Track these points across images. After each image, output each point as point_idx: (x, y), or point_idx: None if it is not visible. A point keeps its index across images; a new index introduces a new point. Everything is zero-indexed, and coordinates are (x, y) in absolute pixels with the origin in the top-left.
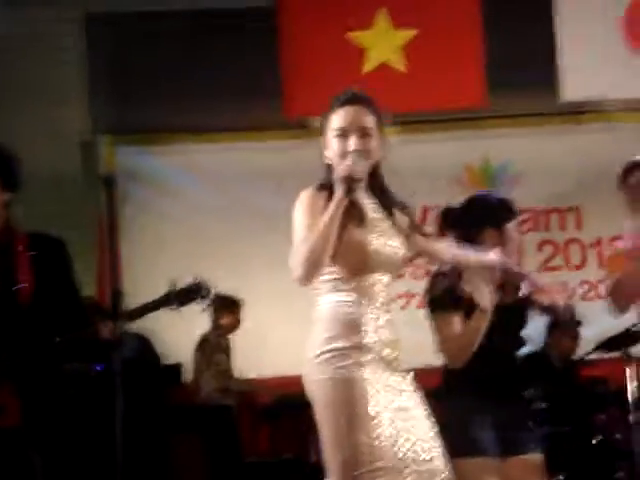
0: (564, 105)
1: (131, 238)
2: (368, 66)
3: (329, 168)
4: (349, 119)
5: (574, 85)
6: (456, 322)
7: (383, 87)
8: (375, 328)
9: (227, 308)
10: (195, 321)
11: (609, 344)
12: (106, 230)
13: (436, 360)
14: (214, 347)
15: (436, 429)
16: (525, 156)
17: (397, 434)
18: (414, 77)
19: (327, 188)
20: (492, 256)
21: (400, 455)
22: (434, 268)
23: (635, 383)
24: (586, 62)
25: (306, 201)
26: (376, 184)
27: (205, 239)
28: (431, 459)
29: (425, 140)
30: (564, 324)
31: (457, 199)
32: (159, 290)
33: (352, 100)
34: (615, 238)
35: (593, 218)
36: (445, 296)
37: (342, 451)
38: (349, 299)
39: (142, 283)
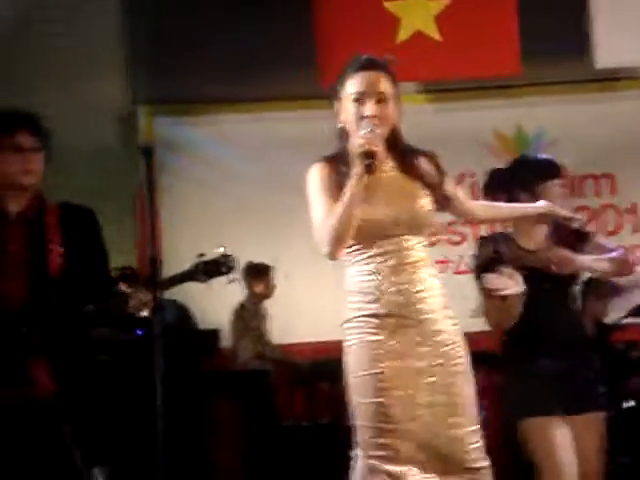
0: (598, 72)
1: (170, 208)
2: (402, 35)
3: (343, 132)
4: (365, 84)
5: (607, 52)
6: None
7: (417, 56)
8: (395, 292)
9: (258, 276)
10: (231, 288)
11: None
12: (146, 200)
13: (474, 325)
14: (251, 314)
15: (468, 399)
16: (558, 124)
17: (413, 399)
18: (448, 45)
19: (335, 158)
20: (538, 204)
21: (416, 421)
22: (473, 233)
23: None
24: (619, 29)
25: (317, 175)
26: (396, 146)
27: (241, 208)
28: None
29: (458, 108)
30: (597, 288)
31: (491, 167)
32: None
33: (368, 65)
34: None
35: (627, 184)
36: (488, 261)
37: (358, 415)
38: (364, 269)
39: (181, 251)
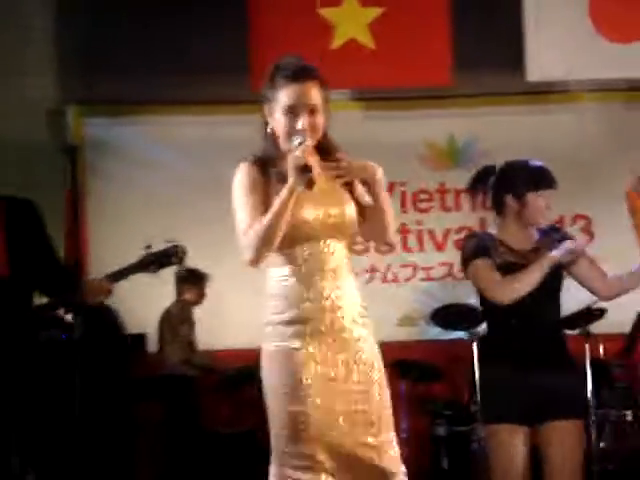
0: (530, 85)
1: (99, 209)
2: (337, 42)
3: (272, 134)
4: (298, 97)
5: (540, 65)
6: (487, 264)
7: (351, 63)
8: (314, 299)
9: (192, 282)
10: (161, 292)
11: (570, 322)
12: (71, 199)
13: (397, 334)
14: (178, 319)
15: (384, 407)
16: (490, 135)
17: (332, 407)
18: (381, 54)
19: (263, 159)
20: None
21: (334, 429)
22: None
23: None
24: (551, 42)
25: (244, 176)
26: (324, 149)
27: (173, 210)
28: (368, 443)
29: (390, 117)
30: None
31: (421, 176)
32: (126, 261)
33: (300, 76)
34: (577, 217)
35: (556, 197)
36: (472, 248)
37: (274, 422)
38: (285, 272)
39: (109, 255)
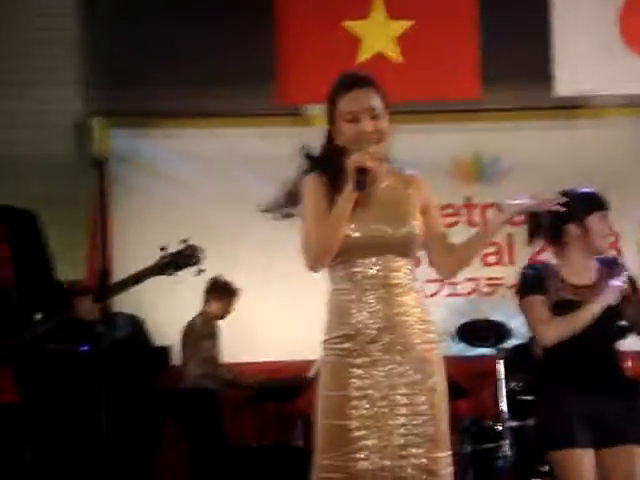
0: (557, 100)
1: (123, 221)
2: (363, 55)
3: (338, 150)
4: (359, 102)
5: (568, 80)
6: (538, 301)
7: (378, 77)
8: (370, 316)
9: (219, 295)
10: (187, 303)
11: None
12: (97, 212)
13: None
14: (199, 333)
15: (435, 427)
16: (517, 150)
17: (377, 425)
18: (408, 68)
19: (329, 173)
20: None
21: (375, 448)
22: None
23: None
24: (580, 57)
25: (309, 187)
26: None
27: (197, 224)
28: (405, 464)
29: (416, 131)
30: None
31: (448, 191)
32: None
33: (359, 83)
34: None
35: None
36: (528, 281)
37: (318, 434)
38: (342, 287)
39: (132, 265)
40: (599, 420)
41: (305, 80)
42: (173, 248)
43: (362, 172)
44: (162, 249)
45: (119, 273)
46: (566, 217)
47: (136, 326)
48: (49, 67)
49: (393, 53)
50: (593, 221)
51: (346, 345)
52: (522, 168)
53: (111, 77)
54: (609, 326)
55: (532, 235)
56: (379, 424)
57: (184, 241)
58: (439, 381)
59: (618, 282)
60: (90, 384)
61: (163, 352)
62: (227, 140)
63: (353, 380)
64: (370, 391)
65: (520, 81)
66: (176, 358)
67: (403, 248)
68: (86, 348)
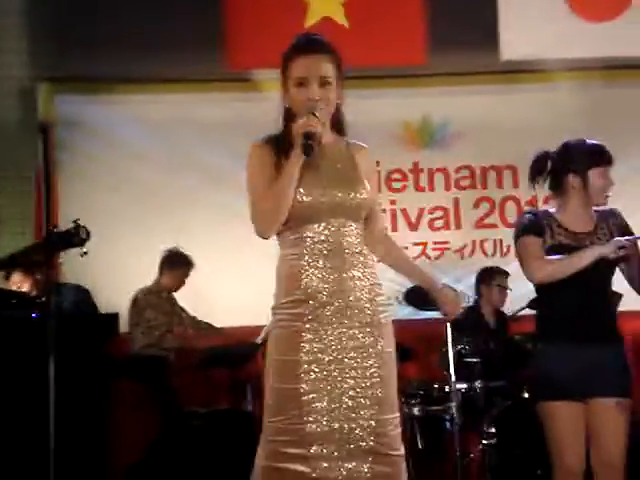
0: (504, 64)
1: (70, 187)
2: (310, 20)
3: (287, 114)
4: (309, 68)
5: (514, 44)
6: (533, 241)
7: (322, 37)
8: (321, 280)
9: (172, 266)
10: (138, 272)
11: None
12: (42, 178)
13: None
14: (143, 303)
15: (383, 390)
16: (465, 114)
17: (327, 388)
18: (356, 32)
19: (276, 139)
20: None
21: (325, 410)
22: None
23: None
24: (527, 21)
25: (255, 155)
26: (339, 130)
27: (146, 190)
28: (355, 426)
29: (364, 96)
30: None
31: (396, 156)
32: (96, 239)
33: (311, 48)
34: (549, 197)
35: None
36: (525, 224)
37: (267, 397)
38: (291, 252)
39: None
40: (590, 372)
41: (253, 45)
42: (62, 226)
43: (308, 137)
44: (52, 227)
45: None
46: (567, 168)
47: (81, 295)
48: None
49: (340, 18)
50: (593, 175)
51: (297, 310)
52: (470, 133)
53: (57, 42)
54: (607, 280)
55: (533, 179)
56: (329, 387)
57: (75, 221)
58: (388, 344)
59: (622, 238)
60: (38, 351)
61: (111, 319)
62: (176, 106)
63: (303, 344)
64: (320, 355)
65: (467, 45)
66: (124, 325)
67: (353, 212)
68: (34, 315)
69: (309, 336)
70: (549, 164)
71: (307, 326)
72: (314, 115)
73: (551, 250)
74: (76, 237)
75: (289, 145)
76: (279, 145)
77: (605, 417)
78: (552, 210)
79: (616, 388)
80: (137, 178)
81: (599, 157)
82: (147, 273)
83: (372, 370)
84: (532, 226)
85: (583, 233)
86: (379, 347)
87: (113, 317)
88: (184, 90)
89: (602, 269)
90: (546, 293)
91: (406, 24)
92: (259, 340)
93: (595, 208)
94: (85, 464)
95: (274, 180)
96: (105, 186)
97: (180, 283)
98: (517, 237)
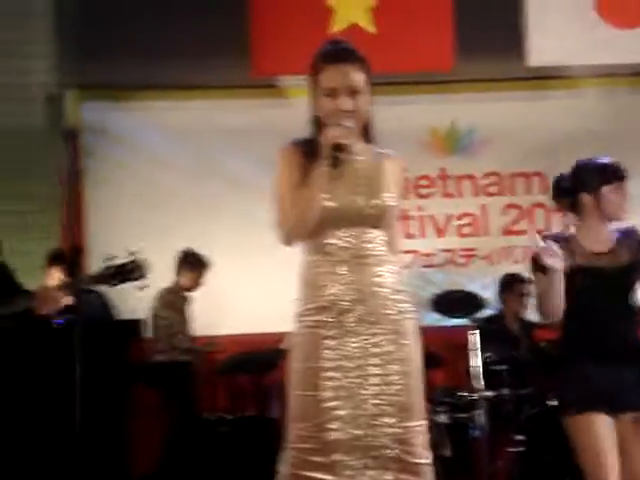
0: (531, 70)
1: (96, 193)
2: (337, 27)
3: (317, 122)
4: (338, 78)
5: (541, 50)
6: (538, 280)
7: (351, 45)
8: (341, 287)
9: (189, 267)
10: (161, 278)
11: None
12: (69, 185)
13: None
14: (158, 303)
15: (408, 396)
16: (492, 121)
17: (350, 395)
18: (382, 39)
19: (305, 145)
20: None
21: (348, 418)
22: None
23: None
24: (554, 27)
25: (282, 157)
26: (368, 138)
27: (170, 196)
28: (378, 434)
29: (391, 102)
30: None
31: (423, 162)
32: (122, 245)
33: (340, 57)
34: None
35: None
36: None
37: (290, 404)
38: (315, 258)
39: (106, 238)
40: (615, 387)
41: (279, 52)
42: (120, 259)
43: (337, 148)
44: (108, 259)
45: (93, 246)
46: (580, 188)
47: (103, 302)
48: (22, 40)
49: (367, 24)
50: (606, 191)
51: (319, 317)
52: (497, 139)
53: (84, 49)
54: (624, 288)
55: (558, 202)
56: (352, 394)
57: (132, 253)
58: (413, 351)
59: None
60: (65, 357)
61: (133, 325)
62: (201, 113)
63: (326, 352)
64: (343, 362)
65: (494, 52)
66: (147, 331)
67: (375, 219)
68: (61, 321)
69: (331, 343)
70: (565, 183)
71: (329, 333)
72: (343, 126)
73: (571, 273)
74: (136, 272)
75: (318, 152)
76: (308, 150)
77: (635, 431)
78: (572, 231)
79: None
80: (161, 184)
81: (610, 174)
82: (171, 280)
83: (396, 377)
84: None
85: (602, 253)
86: (403, 353)
87: (136, 323)
88: (209, 97)
89: (622, 283)
90: (569, 309)
91: (434, 30)
92: (284, 347)
93: (617, 227)
94: (107, 469)
95: (300, 183)
96: (130, 192)
97: (198, 283)
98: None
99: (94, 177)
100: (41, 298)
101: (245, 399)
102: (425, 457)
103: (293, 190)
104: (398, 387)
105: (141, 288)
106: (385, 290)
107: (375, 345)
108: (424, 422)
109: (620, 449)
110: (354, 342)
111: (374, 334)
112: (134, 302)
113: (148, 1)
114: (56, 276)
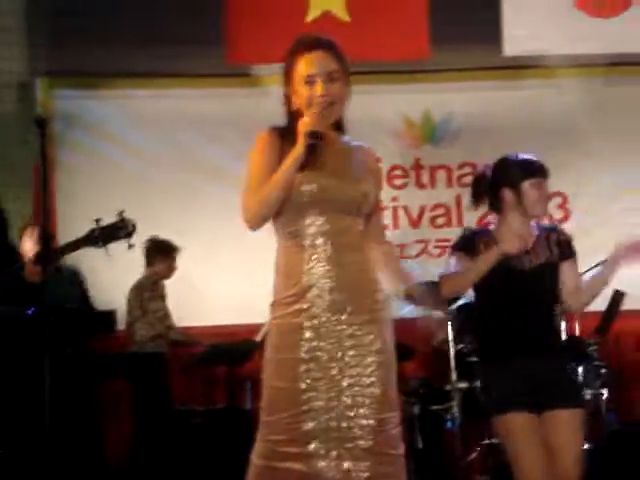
0: (507, 60)
1: (67, 182)
2: (312, 14)
3: (295, 113)
4: (315, 64)
5: (517, 39)
6: (458, 258)
7: (326, 36)
8: (317, 274)
9: (161, 254)
10: (131, 267)
11: None
12: (40, 173)
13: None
14: (149, 295)
15: (383, 388)
16: (467, 110)
17: (326, 386)
18: (357, 27)
19: (283, 132)
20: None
21: (323, 409)
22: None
23: None
24: (530, 16)
25: (259, 141)
26: (341, 128)
27: (142, 185)
28: (353, 425)
29: (365, 91)
30: None
31: (397, 152)
32: None
33: (317, 45)
34: (553, 194)
35: None
36: (459, 241)
37: (265, 395)
38: (290, 244)
39: (76, 227)
40: (536, 385)
41: (254, 40)
42: (107, 220)
43: (313, 136)
44: (96, 221)
45: (63, 234)
46: (501, 182)
47: (81, 292)
48: None
49: (341, 12)
50: (527, 187)
51: (295, 306)
52: (472, 129)
53: (55, 37)
54: (543, 286)
55: (476, 200)
56: (328, 385)
57: (120, 213)
58: (388, 342)
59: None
60: (34, 347)
61: (107, 316)
62: (175, 101)
63: (302, 342)
64: (319, 353)
65: (470, 41)
66: (121, 322)
67: (353, 207)
68: (30, 311)
69: (308, 334)
70: (485, 181)
71: (306, 323)
72: (320, 113)
73: (490, 270)
74: (123, 230)
75: (294, 138)
76: (285, 136)
77: (558, 429)
78: (491, 228)
79: (568, 398)
80: (134, 173)
81: (532, 169)
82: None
83: (372, 368)
84: (462, 242)
85: (521, 251)
86: (378, 345)
87: (110, 314)
88: (183, 85)
89: (541, 281)
90: (486, 309)
91: (409, 18)
92: (258, 338)
93: (538, 224)
94: (79, 462)
95: (272, 170)
96: (103, 181)
97: (172, 269)
98: (449, 253)
99: (65, 165)
100: (29, 268)
101: (218, 390)
102: (399, 448)
103: (264, 173)
104: (373, 379)
105: (129, 246)
106: (361, 280)
107: (351, 336)
108: (397, 413)
109: (546, 446)
110: (330, 332)
111: (350, 324)
112: (108, 293)
113: None
114: (31, 245)
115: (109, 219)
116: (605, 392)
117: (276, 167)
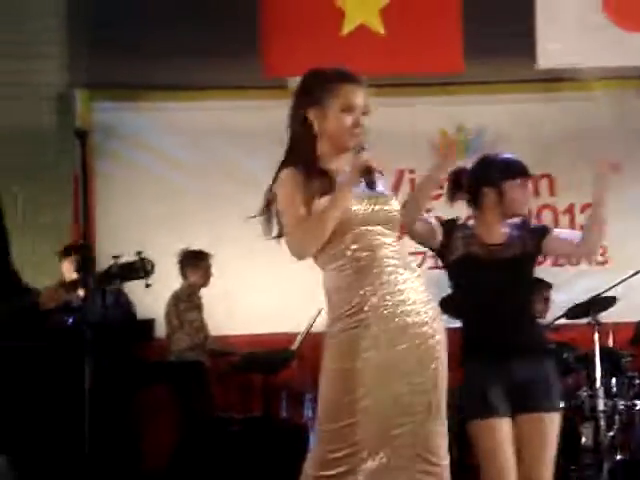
0: (541, 72)
1: (107, 193)
2: (347, 28)
3: (313, 135)
4: (358, 97)
5: (551, 52)
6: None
7: (361, 49)
8: (372, 289)
9: (194, 263)
10: (169, 275)
11: (577, 310)
12: (80, 184)
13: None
14: (187, 304)
15: (439, 399)
16: (501, 124)
17: (382, 396)
18: (392, 40)
19: (303, 163)
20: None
21: (378, 418)
22: None
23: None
24: (563, 30)
25: (289, 182)
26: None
27: (180, 196)
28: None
29: (400, 104)
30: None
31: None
32: (132, 244)
33: (356, 78)
34: (587, 205)
35: (566, 185)
36: (446, 219)
37: (321, 405)
38: (339, 264)
39: (115, 237)
40: (512, 388)
41: (290, 53)
42: (126, 258)
43: (368, 171)
44: (115, 257)
45: (103, 245)
46: (483, 181)
47: (126, 300)
48: (33, 40)
49: (376, 26)
50: (508, 187)
51: (354, 318)
52: (506, 142)
53: (95, 49)
54: (517, 288)
55: (453, 195)
56: (383, 396)
57: (139, 253)
58: (442, 350)
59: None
60: (75, 356)
61: (147, 325)
62: (212, 113)
63: (362, 353)
64: (377, 362)
65: (504, 54)
66: (160, 331)
67: (391, 223)
68: (71, 321)
69: (366, 343)
70: (465, 177)
71: (364, 333)
72: (367, 149)
73: (462, 259)
74: (141, 271)
75: (319, 167)
76: (309, 169)
77: (531, 433)
78: (471, 223)
79: (542, 402)
80: (171, 184)
81: (514, 170)
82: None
83: (427, 379)
84: (447, 224)
85: (496, 245)
86: (436, 355)
87: (150, 323)
88: (220, 97)
89: (517, 275)
90: (465, 312)
91: (443, 32)
92: (294, 347)
93: (509, 221)
94: (118, 469)
95: (305, 207)
96: (140, 192)
97: (209, 278)
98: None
99: (104, 176)
100: (46, 294)
101: (255, 399)
102: (445, 459)
103: (301, 216)
104: (428, 388)
105: (147, 286)
106: (412, 294)
107: (408, 349)
108: (445, 424)
109: (520, 450)
110: (389, 344)
111: (405, 332)
112: (147, 302)
113: (160, 1)
114: (69, 269)
115: (145, 228)
116: (639, 403)
117: (308, 200)
